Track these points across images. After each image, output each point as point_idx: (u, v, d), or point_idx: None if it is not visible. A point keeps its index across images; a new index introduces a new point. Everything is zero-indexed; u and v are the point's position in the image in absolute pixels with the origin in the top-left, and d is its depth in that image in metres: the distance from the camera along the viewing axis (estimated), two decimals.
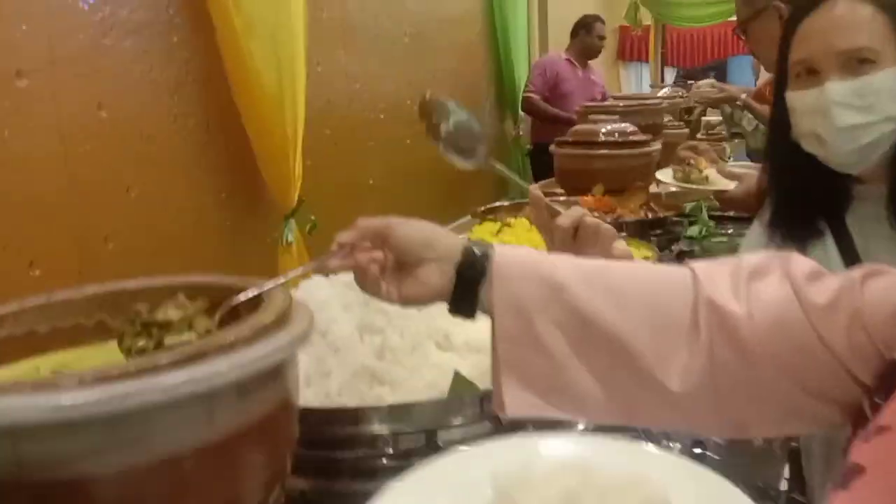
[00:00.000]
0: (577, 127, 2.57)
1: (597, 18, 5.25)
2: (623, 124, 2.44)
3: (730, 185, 1.92)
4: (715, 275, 0.75)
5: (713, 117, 4.29)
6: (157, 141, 2.04)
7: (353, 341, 0.98)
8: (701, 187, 2.06)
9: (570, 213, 1.04)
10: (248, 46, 2.30)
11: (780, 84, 1.24)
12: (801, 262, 0.75)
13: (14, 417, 0.53)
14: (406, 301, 0.78)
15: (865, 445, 0.55)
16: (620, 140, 2.38)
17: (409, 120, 3.69)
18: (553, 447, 0.75)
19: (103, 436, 0.53)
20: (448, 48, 4.23)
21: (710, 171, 2.07)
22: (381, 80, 3.42)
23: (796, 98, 1.18)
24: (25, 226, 1.63)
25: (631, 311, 0.73)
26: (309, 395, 0.94)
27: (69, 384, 0.52)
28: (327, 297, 1.05)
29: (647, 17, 8.99)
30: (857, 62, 1.11)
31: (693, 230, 2.32)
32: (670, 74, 10.24)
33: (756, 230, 1.37)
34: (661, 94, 4.38)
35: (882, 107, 1.10)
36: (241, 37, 2.26)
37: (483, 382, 0.91)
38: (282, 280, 0.76)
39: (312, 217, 2.59)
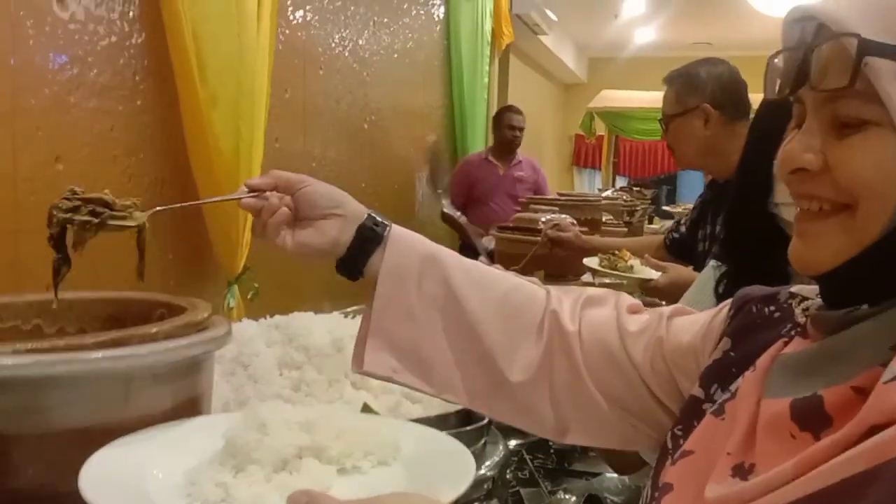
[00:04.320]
0: (518, 214, 2.70)
1: (509, 109, 5.08)
2: (562, 215, 2.57)
3: (654, 275, 2.03)
4: (562, 296, 0.86)
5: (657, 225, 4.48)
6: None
7: (272, 374, 1.04)
8: (626, 275, 2.17)
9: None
10: (210, 115, 2.40)
11: (756, 150, 1.34)
12: (629, 299, 0.88)
13: None
14: (299, 248, 0.86)
15: (672, 468, 0.65)
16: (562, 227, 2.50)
17: (363, 202, 3.80)
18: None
19: (28, 399, 0.59)
20: (407, 139, 4.39)
21: (635, 262, 2.19)
22: (339, 163, 3.54)
23: None
24: None
25: (493, 302, 0.84)
26: None
27: (5, 350, 0.58)
28: (253, 335, 1.11)
29: (601, 128, 9.38)
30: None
31: None
32: (622, 182, 10.62)
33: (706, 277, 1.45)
34: (604, 194, 4.57)
35: None
36: (204, 106, 2.36)
37: (390, 416, 0.97)
38: (198, 203, 0.87)
39: (256, 284, 2.64)
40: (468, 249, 4.08)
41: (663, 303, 2.08)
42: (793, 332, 0.69)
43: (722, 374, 0.71)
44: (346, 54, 3.56)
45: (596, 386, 0.80)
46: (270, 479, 0.67)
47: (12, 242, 1.80)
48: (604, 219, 2.97)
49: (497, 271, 0.90)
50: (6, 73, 1.74)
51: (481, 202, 4.66)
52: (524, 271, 2.39)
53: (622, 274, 2.16)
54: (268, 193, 0.86)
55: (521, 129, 4.90)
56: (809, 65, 0.62)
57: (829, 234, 0.61)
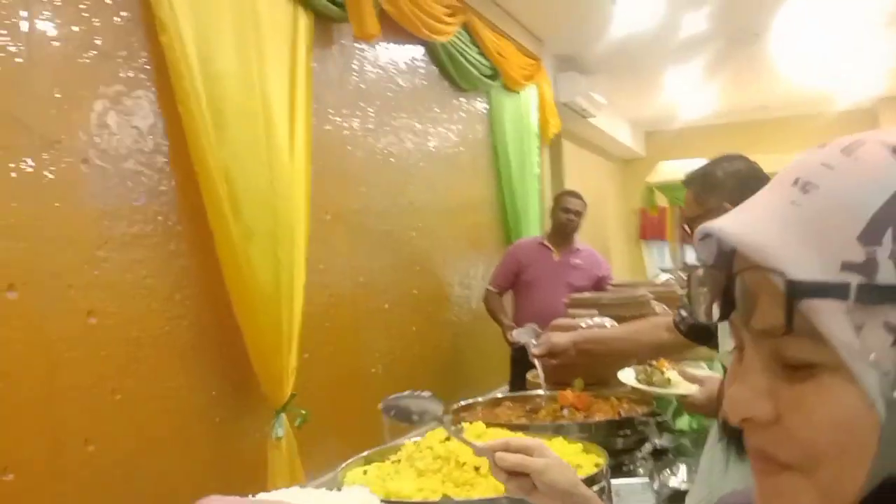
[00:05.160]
0: (557, 321, 2.62)
1: (565, 192, 4.79)
2: (604, 319, 2.48)
3: (692, 389, 1.92)
4: None
5: None
6: (146, 344, 2.12)
7: None
8: (664, 390, 2.06)
9: None
10: (246, 251, 2.43)
11: None
12: None
13: None
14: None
15: None
16: None
17: (415, 307, 3.79)
18: None
19: None
20: (457, 237, 4.39)
21: (672, 374, 2.08)
22: (388, 272, 3.54)
23: None
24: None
25: None
26: None
27: None
28: None
29: (662, 200, 9.25)
30: None
31: (682, 422, 2.29)
32: (692, 252, 10.38)
33: None
34: (662, 278, 4.41)
35: None
36: (239, 242, 2.39)
37: None
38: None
39: (303, 411, 2.62)
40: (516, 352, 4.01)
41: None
42: None
43: None
44: (389, 165, 3.59)
45: None
46: None
47: (51, 404, 1.82)
48: (656, 310, 2.86)
49: None
50: (18, 244, 1.79)
51: (530, 288, 4.38)
52: (562, 380, 2.29)
53: (659, 390, 2.05)
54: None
55: (578, 213, 4.59)
56: (733, 294, 0.52)
57: (793, 488, 0.51)
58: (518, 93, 5.37)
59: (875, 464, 0.47)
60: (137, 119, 2.12)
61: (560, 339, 2.25)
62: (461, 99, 4.54)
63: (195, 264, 2.32)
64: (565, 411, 2.02)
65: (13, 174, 1.76)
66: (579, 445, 1.59)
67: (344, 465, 1.56)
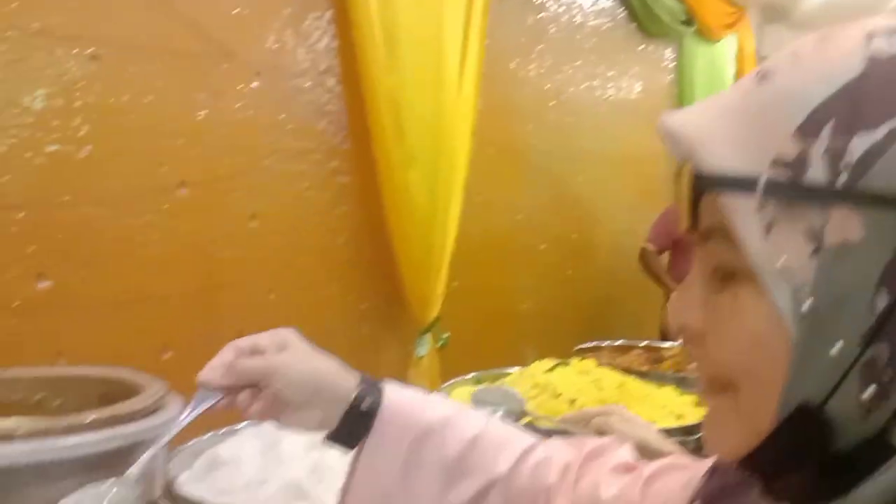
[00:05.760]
0: None
1: None
2: None
3: None
4: (556, 459, 0.77)
5: None
6: (303, 253, 2.27)
7: (297, 456, 1.07)
8: None
9: None
10: (407, 176, 2.53)
11: None
12: (615, 455, 0.76)
13: None
14: (286, 427, 0.79)
15: None
16: None
17: (572, 252, 3.78)
18: None
19: None
20: (626, 187, 4.29)
21: None
22: (548, 213, 3.54)
23: None
24: (161, 317, 1.88)
25: (491, 474, 0.76)
26: (242, 497, 1.03)
27: None
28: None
29: None
30: None
31: None
32: None
33: None
34: None
35: None
36: (400, 167, 2.49)
37: None
38: (176, 428, 0.74)
39: (446, 334, 2.71)
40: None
41: None
42: None
43: None
44: (558, 108, 3.56)
45: None
46: None
47: (209, 295, 2.01)
48: None
49: (509, 433, 0.80)
50: (199, 138, 1.96)
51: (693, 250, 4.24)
52: None
53: None
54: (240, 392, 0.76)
55: None
56: (681, 194, 0.47)
57: (721, 413, 0.47)
58: (714, 43, 5.10)
59: (786, 389, 0.42)
60: (313, 39, 2.24)
61: None
62: (647, 45, 4.39)
63: (355, 183, 2.43)
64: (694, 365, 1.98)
65: (191, 79, 1.92)
66: (693, 398, 1.56)
67: (452, 381, 1.62)
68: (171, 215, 1.88)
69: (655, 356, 2.04)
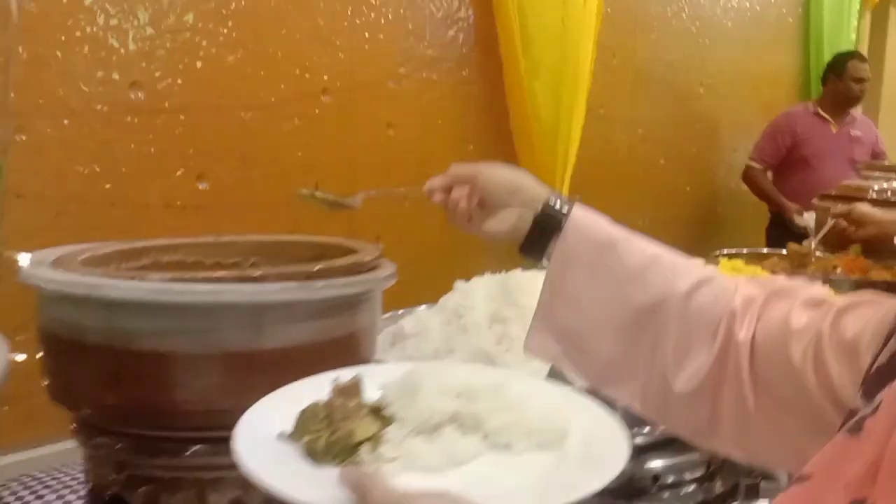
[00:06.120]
0: (846, 182, 2.42)
1: (852, 56, 4.10)
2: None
3: None
4: (749, 292, 0.77)
5: None
6: (435, 161, 2.31)
7: (481, 327, 1.12)
8: None
9: None
10: (532, 86, 2.53)
11: None
12: (812, 291, 0.75)
13: (110, 294, 0.76)
14: (485, 234, 0.87)
15: (782, 495, 0.52)
16: (893, 200, 2.19)
17: (690, 167, 3.70)
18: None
19: (173, 320, 0.77)
20: (748, 100, 4.14)
21: None
22: (667, 128, 3.47)
23: None
24: (305, 220, 1.95)
25: (675, 300, 0.77)
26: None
27: (154, 276, 0.78)
28: (475, 287, 1.20)
29: None
30: None
31: None
32: None
33: None
34: None
35: None
36: (525, 77, 2.49)
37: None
38: (372, 192, 0.98)
39: None
40: (778, 226, 3.69)
41: None
42: None
43: (882, 383, 0.55)
44: (683, 17, 3.45)
45: (767, 401, 0.71)
46: (404, 442, 0.70)
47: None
48: None
49: (687, 262, 0.81)
50: (336, 53, 1.99)
51: (805, 166, 3.85)
52: (842, 245, 2.15)
53: None
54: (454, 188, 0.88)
55: (866, 81, 4.02)
56: None
57: None
58: None
59: None
60: None
61: (870, 209, 2.06)
62: None
63: (483, 93, 2.45)
64: (838, 270, 1.93)
65: None
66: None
67: None
68: (315, 121, 1.93)
69: (799, 261, 2.00)
